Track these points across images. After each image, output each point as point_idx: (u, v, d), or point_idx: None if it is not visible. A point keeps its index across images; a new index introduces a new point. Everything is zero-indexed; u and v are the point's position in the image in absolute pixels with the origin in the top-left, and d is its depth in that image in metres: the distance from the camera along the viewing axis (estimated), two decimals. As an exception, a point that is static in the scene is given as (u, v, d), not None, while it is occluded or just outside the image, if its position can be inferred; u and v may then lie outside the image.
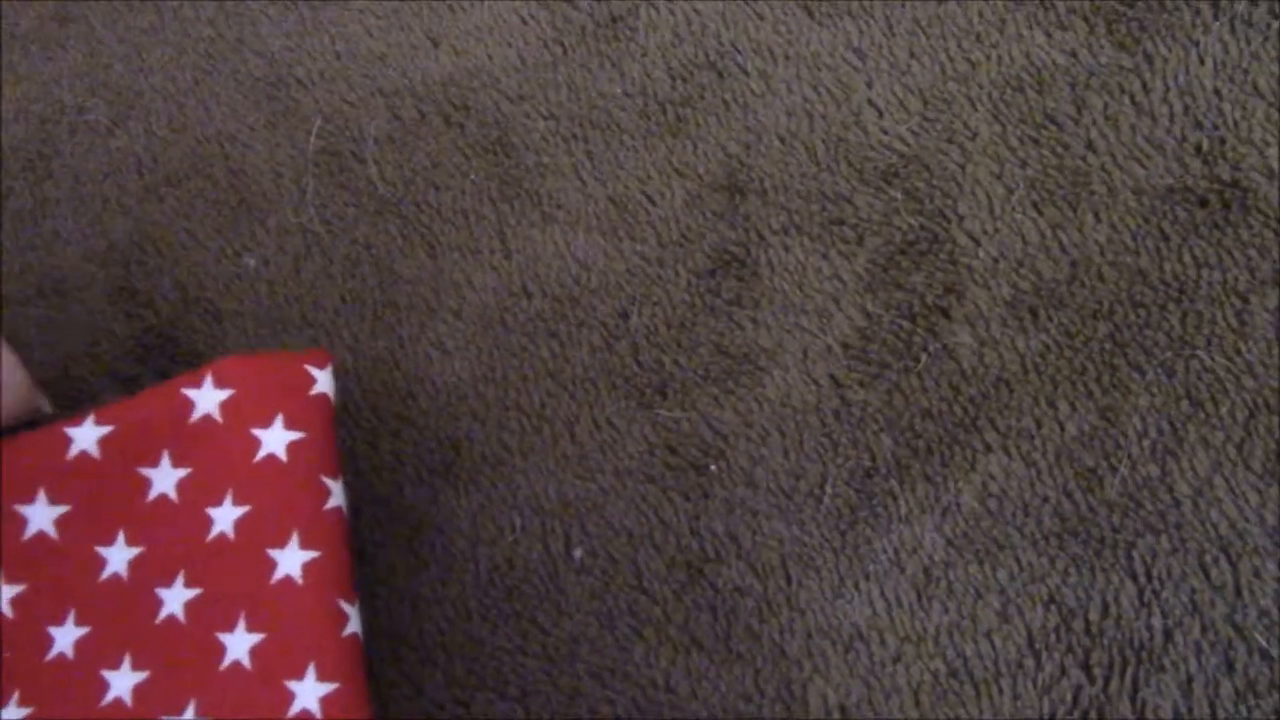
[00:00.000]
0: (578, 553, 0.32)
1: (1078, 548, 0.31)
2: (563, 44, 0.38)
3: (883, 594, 0.32)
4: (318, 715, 0.26)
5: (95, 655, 0.28)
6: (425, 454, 0.34)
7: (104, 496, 0.29)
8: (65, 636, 0.28)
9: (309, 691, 0.26)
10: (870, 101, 0.37)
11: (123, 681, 0.27)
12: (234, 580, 0.28)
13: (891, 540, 0.32)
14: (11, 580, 0.30)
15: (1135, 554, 0.31)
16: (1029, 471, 0.32)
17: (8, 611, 0.29)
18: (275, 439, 0.29)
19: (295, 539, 0.28)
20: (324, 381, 0.30)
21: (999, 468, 0.33)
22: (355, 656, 0.27)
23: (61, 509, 0.30)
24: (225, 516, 0.29)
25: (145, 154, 0.39)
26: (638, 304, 0.36)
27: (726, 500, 0.33)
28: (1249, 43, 0.35)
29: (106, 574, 0.29)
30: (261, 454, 0.29)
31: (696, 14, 0.37)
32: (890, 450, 0.33)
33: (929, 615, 0.31)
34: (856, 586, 0.32)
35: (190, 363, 0.36)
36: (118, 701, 0.27)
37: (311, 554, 0.28)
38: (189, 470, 0.29)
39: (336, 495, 0.29)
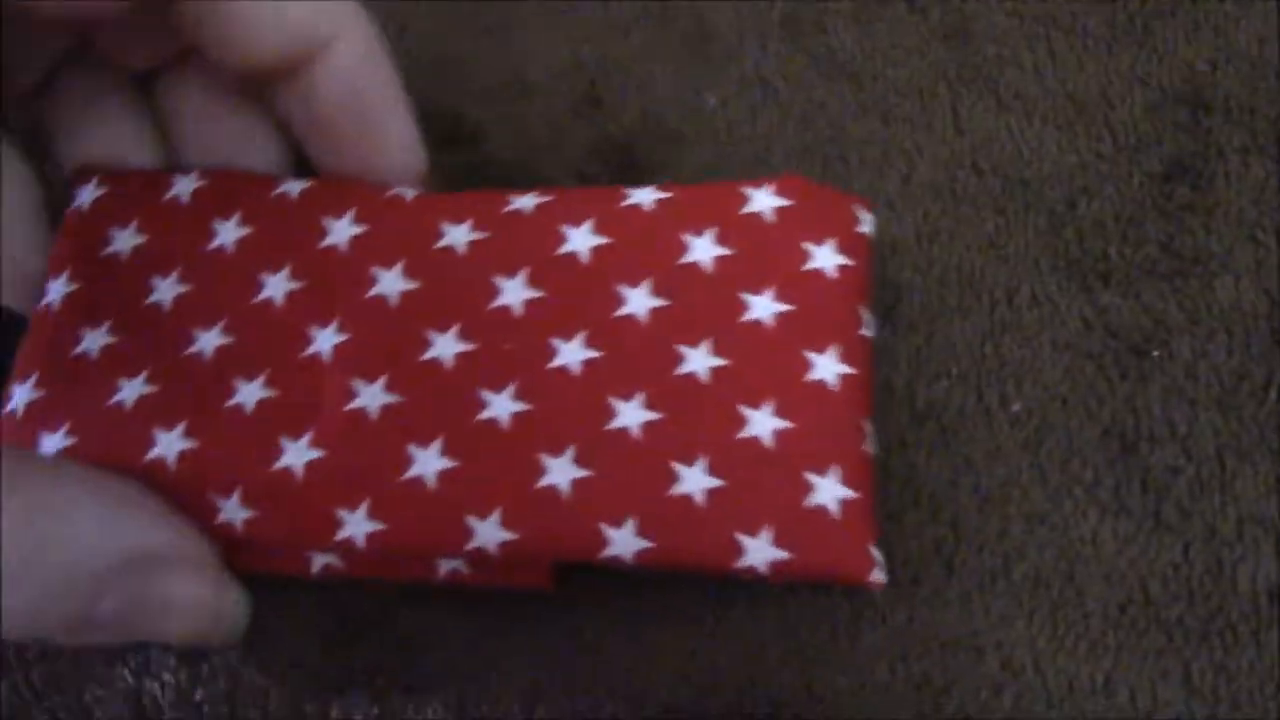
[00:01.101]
0: (1016, 406, 0.33)
1: None
2: (1036, -51, 0.39)
3: (1320, 498, 0.32)
4: (835, 515, 0.26)
5: (603, 380, 0.28)
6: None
7: (641, 246, 0.30)
8: (572, 355, 0.28)
9: (830, 491, 0.26)
10: (1350, 41, 0.37)
11: (634, 415, 0.27)
12: (766, 365, 0.28)
13: (1334, 449, 0.32)
14: (532, 285, 0.30)
15: None
16: None
17: (519, 311, 0.29)
18: (825, 257, 0.29)
19: (835, 351, 0.28)
20: (868, 224, 0.31)
21: None
22: (871, 475, 0.27)
23: (602, 240, 0.30)
24: (764, 306, 0.29)
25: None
26: (1087, 195, 0.36)
27: (1165, 386, 0.33)
28: None
29: (624, 311, 0.29)
30: (809, 266, 0.29)
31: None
32: (1341, 365, 0.33)
33: (1368, 524, 0.31)
34: (1293, 486, 0.32)
35: (648, 171, 0.37)
36: (623, 432, 0.27)
37: (848, 369, 0.28)
38: (730, 252, 0.29)
39: (869, 328, 0.29)
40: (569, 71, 0.40)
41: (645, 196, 0.31)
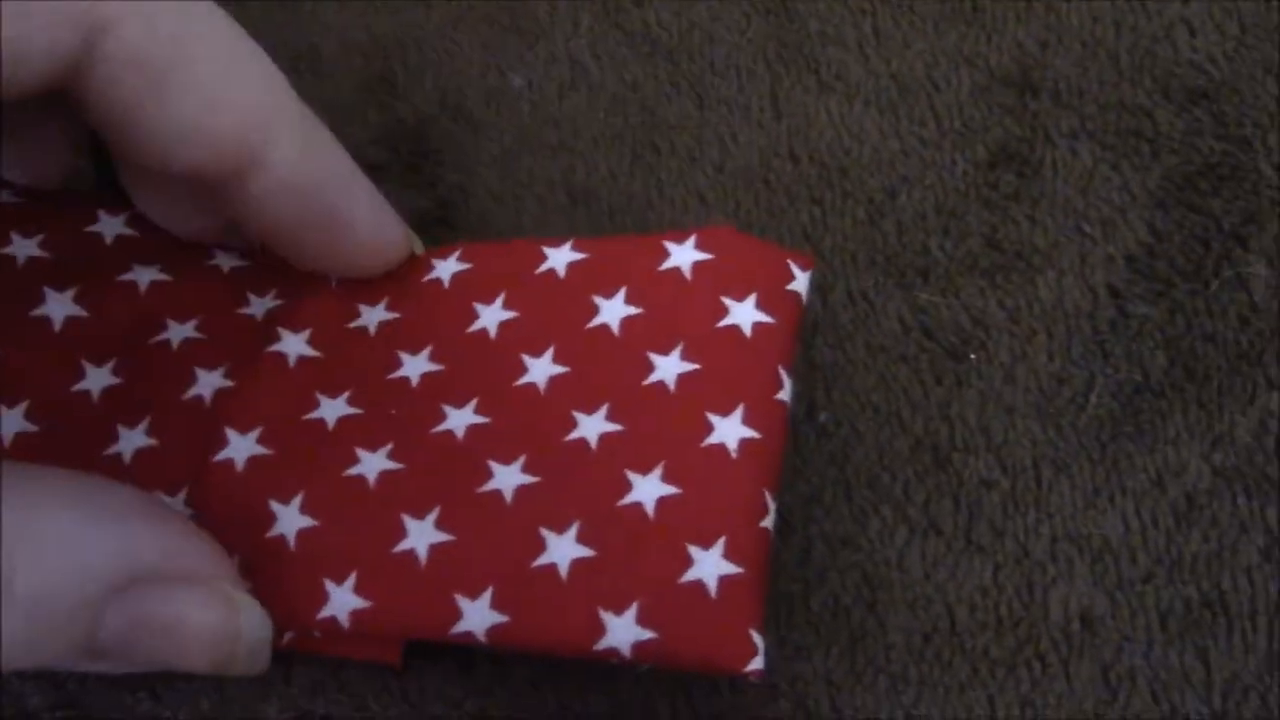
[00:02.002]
0: (823, 416, 0.31)
1: (1356, 500, 0.29)
2: (863, -83, 0.37)
3: (1138, 512, 0.30)
4: (713, 593, 0.23)
5: (485, 444, 0.26)
6: (671, 296, 0.32)
7: (548, 314, 0.28)
8: (459, 420, 0.26)
9: (711, 564, 0.23)
10: (1184, 19, 0.35)
11: (510, 478, 0.25)
12: (661, 428, 0.25)
13: (1154, 460, 0.30)
14: (435, 360, 0.28)
15: None
16: (1312, 415, 0.31)
17: (415, 383, 0.28)
18: (744, 314, 0.27)
19: (740, 413, 0.26)
20: (801, 282, 0.28)
21: (1280, 405, 0.31)
22: (764, 552, 0.25)
23: (509, 315, 0.28)
24: (669, 367, 0.26)
25: (415, -35, 0.38)
26: (908, 184, 0.34)
27: (982, 392, 0.31)
28: None
29: (523, 381, 0.27)
30: (725, 322, 0.27)
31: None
32: (1165, 370, 0.31)
33: (1186, 541, 0.30)
34: (1111, 500, 0.30)
35: (440, 162, 0.35)
36: (497, 494, 0.25)
37: (752, 434, 0.25)
38: (640, 311, 0.27)
39: (786, 392, 0.27)
40: (364, 46, 0.37)
41: (561, 259, 0.29)
